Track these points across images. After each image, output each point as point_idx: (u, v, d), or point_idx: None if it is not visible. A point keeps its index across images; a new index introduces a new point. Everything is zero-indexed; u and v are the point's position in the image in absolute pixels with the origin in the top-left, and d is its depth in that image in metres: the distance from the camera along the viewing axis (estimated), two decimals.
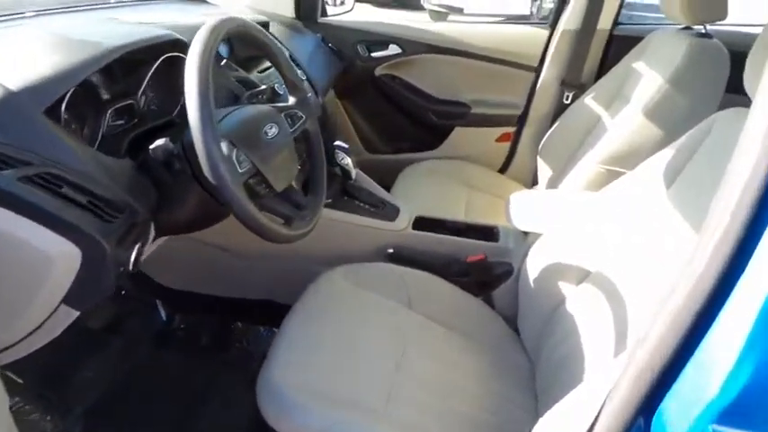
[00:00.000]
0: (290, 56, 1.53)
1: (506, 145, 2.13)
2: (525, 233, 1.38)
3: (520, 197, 1.39)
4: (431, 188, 1.89)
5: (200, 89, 0.81)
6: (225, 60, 1.22)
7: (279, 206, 0.98)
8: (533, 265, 1.23)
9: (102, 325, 1.46)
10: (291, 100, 1.12)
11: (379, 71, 2.09)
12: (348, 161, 1.42)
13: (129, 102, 1.02)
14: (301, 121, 1.10)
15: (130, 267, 0.83)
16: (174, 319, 1.58)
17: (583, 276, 1.11)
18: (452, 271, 1.38)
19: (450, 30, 2.04)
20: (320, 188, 1.11)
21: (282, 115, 1.05)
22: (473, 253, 1.41)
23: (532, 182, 2.12)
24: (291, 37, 1.79)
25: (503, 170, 2.16)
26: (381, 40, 2.06)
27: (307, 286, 1.24)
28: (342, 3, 2.30)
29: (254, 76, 1.26)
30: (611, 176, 1.35)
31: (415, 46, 2.04)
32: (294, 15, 2.01)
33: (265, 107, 1.03)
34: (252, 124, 0.95)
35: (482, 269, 1.35)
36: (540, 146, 1.96)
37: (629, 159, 1.38)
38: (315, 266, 1.41)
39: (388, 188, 1.93)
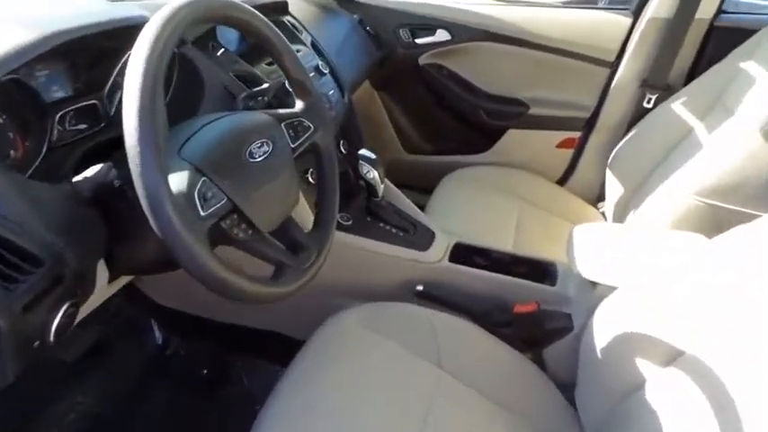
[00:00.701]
0: (313, 42, 1.27)
1: (569, 152, 1.82)
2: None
3: (588, 232, 1.10)
4: (476, 200, 1.61)
5: (142, 98, 0.57)
6: (223, 50, 0.97)
7: (267, 249, 0.74)
8: (602, 327, 0.95)
9: (87, 348, 1.27)
10: (299, 105, 0.87)
11: (423, 60, 1.81)
12: (375, 175, 1.16)
13: (91, 101, 0.80)
14: (308, 133, 0.85)
15: (51, 338, 0.62)
16: (169, 344, 1.38)
17: (672, 356, 0.83)
18: (495, 319, 1.11)
19: (510, 14, 1.73)
20: (328, 222, 0.86)
21: (283, 126, 0.81)
22: (522, 298, 1.14)
23: (597, 197, 1.80)
24: (320, 18, 1.53)
25: (562, 181, 1.85)
26: (428, 25, 1.77)
27: (318, 320, 1.03)
28: None
29: (260, 69, 1.02)
30: (712, 214, 1.05)
31: (467, 32, 1.74)
32: None
33: (258, 116, 0.78)
34: (232, 142, 0.70)
35: (532, 322, 1.08)
36: (611, 157, 1.64)
37: (738, 194, 1.07)
38: (329, 298, 1.18)
39: (428, 192, 1.70)
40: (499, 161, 1.84)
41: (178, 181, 0.61)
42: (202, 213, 0.61)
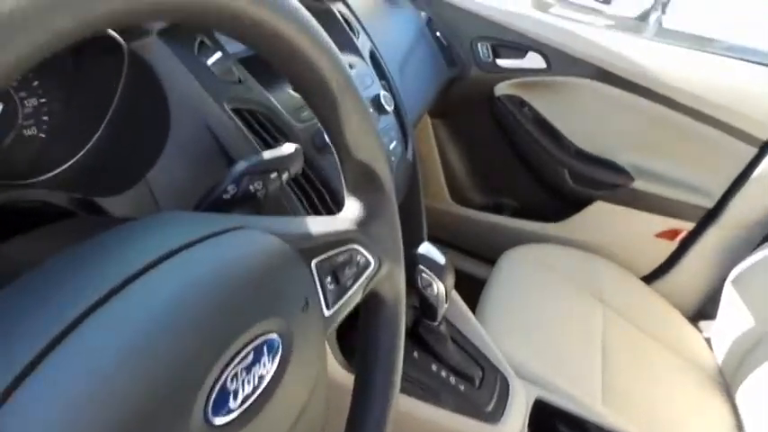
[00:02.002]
0: (373, 53, 0.80)
1: (669, 245, 1.37)
2: None
3: None
4: (549, 299, 1.16)
5: None
6: (219, 55, 0.51)
7: None
8: None
9: None
10: (353, 208, 0.42)
11: (501, 89, 1.34)
12: (439, 290, 0.70)
13: None
14: (365, 276, 0.40)
15: None
16: None
17: None
18: None
19: (636, 50, 1.26)
20: None
21: (314, 268, 0.35)
22: None
23: (696, 312, 1.36)
24: (379, 10, 1.06)
25: (650, 279, 1.40)
26: (517, 44, 1.30)
27: None
28: None
29: (283, 99, 0.55)
30: None
31: (569, 63, 1.28)
32: None
33: (260, 251, 0.32)
34: (178, 365, 0.24)
35: None
36: (736, 272, 1.20)
37: None
38: None
39: (472, 256, 1.28)
40: (575, 238, 1.39)
41: None
42: None
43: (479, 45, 1.32)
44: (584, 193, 1.37)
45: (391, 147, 0.70)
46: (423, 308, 0.74)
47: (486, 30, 1.31)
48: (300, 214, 0.52)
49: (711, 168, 1.27)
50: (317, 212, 0.53)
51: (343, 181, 0.41)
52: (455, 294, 0.83)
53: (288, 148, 0.44)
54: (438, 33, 1.26)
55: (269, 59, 0.33)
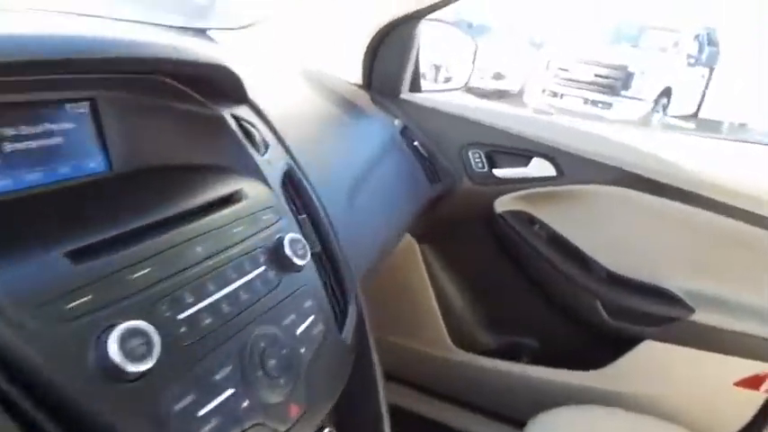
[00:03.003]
0: (292, 173, 0.54)
1: (754, 398, 1.00)
2: None
3: None
4: None
5: None
6: None
7: None
8: None
9: None
10: None
11: (503, 204, 1.07)
12: None
13: None
14: None
15: None
16: None
17: None
18: None
19: (667, 147, 1.00)
20: None
21: None
22: None
23: None
24: (333, 122, 0.82)
25: None
26: (518, 149, 1.05)
27: None
28: (447, 80, 1.40)
29: None
30: None
31: (586, 168, 1.01)
32: (362, 82, 1.07)
33: None
34: None
35: None
36: None
37: None
38: None
39: (486, 414, 1.06)
40: (621, 391, 1.04)
41: None
42: None
43: (470, 153, 1.06)
44: (628, 330, 1.03)
45: (300, 329, 0.40)
46: None
47: (478, 135, 1.07)
48: None
49: None
50: None
51: None
52: None
53: None
54: (416, 143, 1.02)
55: None
